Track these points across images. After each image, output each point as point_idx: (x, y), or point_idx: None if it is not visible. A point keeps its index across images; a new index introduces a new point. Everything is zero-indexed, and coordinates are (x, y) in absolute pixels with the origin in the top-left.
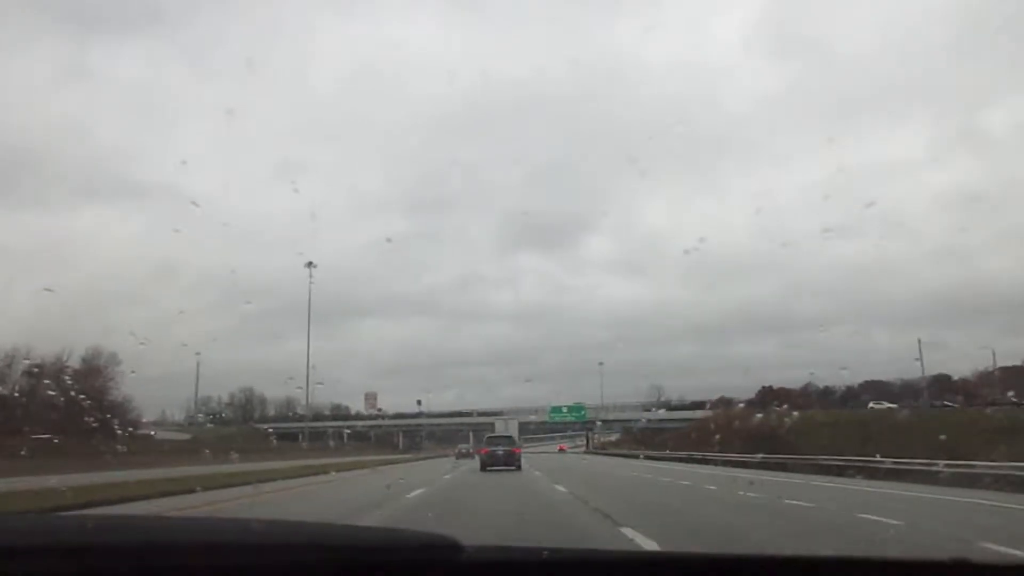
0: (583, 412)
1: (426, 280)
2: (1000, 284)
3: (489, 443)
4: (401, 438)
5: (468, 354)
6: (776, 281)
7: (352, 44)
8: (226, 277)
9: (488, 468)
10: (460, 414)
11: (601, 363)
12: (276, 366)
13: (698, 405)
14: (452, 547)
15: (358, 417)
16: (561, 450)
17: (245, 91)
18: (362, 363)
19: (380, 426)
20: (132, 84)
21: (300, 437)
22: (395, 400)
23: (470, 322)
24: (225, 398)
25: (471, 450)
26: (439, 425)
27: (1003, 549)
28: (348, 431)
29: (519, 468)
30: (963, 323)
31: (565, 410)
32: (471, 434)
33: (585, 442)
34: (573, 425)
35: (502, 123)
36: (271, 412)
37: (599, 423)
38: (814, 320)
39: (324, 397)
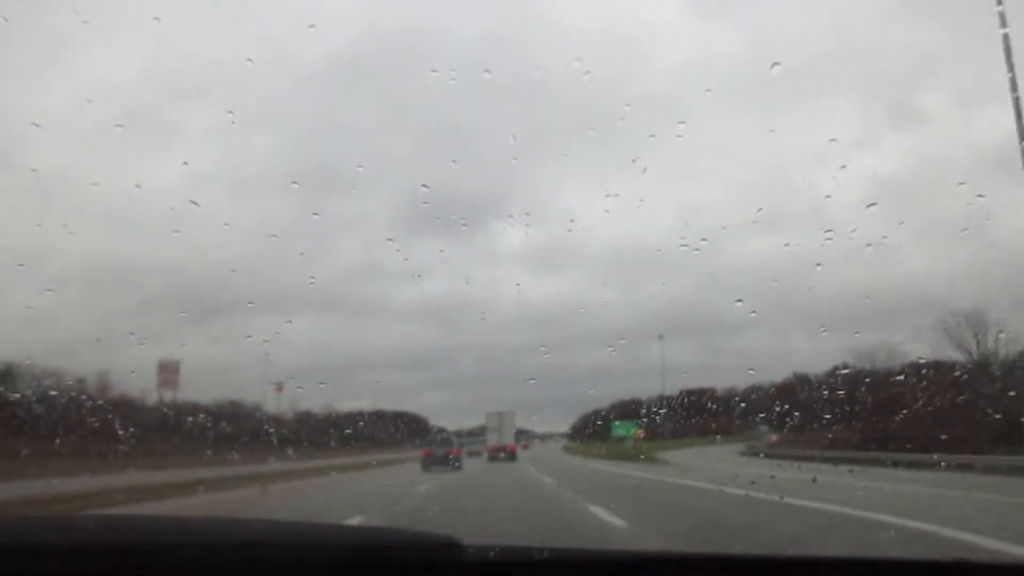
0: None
1: (319, 269)
2: (918, 281)
3: (430, 444)
4: None
5: (375, 355)
6: (697, 280)
7: None
8: (83, 262)
9: (431, 468)
10: None
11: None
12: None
13: None
14: (453, 546)
15: None
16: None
17: (89, 36)
18: (257, 365)
19: None
20: None
21: None
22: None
23: (373, 319)
24: None
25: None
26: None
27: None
28: None
29: (460, 467)
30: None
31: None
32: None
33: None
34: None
35: (395, 85)
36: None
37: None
38: (736, 321)
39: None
